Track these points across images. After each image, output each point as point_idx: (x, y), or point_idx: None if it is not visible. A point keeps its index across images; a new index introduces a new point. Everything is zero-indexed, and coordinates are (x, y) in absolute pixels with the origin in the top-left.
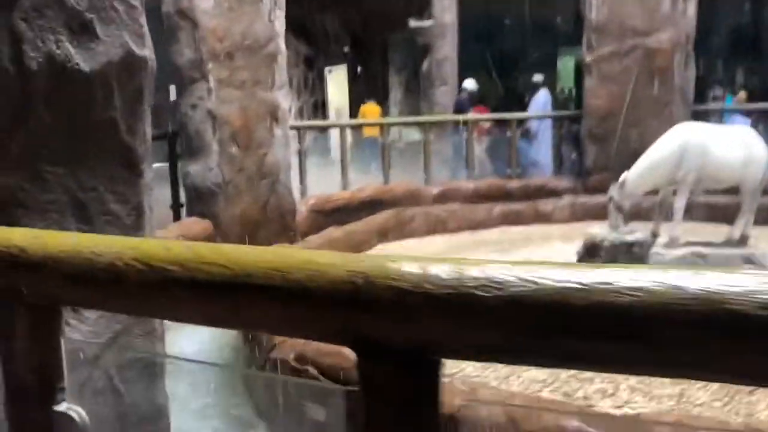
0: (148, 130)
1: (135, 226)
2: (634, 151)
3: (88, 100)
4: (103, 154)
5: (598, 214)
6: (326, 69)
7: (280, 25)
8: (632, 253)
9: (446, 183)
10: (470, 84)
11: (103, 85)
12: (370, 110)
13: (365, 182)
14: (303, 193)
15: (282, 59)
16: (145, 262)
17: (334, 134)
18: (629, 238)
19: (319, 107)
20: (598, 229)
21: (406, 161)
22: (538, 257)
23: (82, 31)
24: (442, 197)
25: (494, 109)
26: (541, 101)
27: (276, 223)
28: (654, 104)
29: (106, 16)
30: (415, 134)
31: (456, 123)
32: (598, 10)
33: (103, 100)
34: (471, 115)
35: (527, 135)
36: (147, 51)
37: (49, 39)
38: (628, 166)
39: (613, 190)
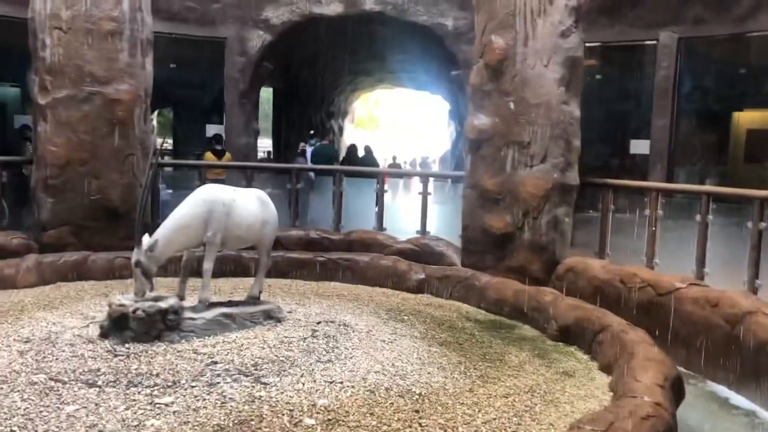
0: None
1: None
2: (92, 203)
3: None
4: None
5: (67, 274)
6: None
7: None
8: (167, 322)
9: None
10: None
11: None
12: None
13: None
14: None
15: None
16: None
17: None
18: (163, 305)
19: None
20: (121, 298)
21: None
22: (45, 333)
23: None
24: None
25: None
26: None
27: None
28: (114, 155)
29: None
30: None
31: None
32: (52, 51)
33: None
34: None
35: None
36: None
37: None
38: (90, 218)
39: (139, 254)
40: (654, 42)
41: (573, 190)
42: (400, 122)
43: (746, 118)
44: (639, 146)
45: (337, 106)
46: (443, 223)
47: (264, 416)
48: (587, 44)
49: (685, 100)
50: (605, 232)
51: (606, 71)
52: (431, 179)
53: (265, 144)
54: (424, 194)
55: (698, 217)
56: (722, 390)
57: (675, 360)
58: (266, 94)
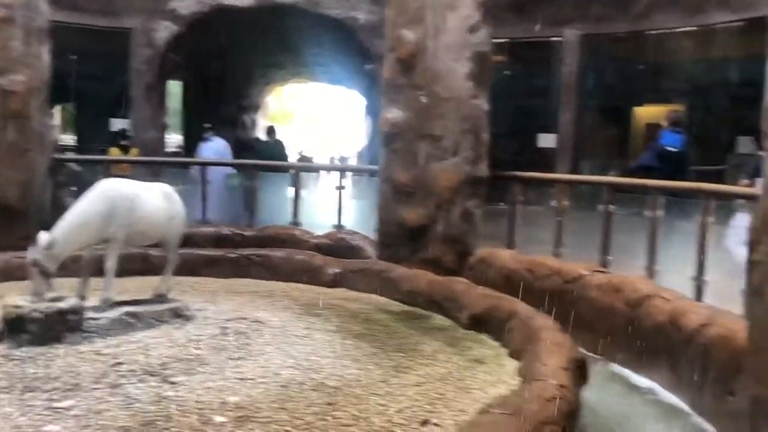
0: None
1: None
2: None
3: None
4: None
5: None
6: None
7: None
8: (67, 323)
9: None
10: None
11: None
12: None
13: None
14: None
15: None
16: None
17: None
18: (62, 305)
19: None
20: (17, 299)
21: None
22: None
23: None
24: None
25: None
26: None
27: None
28: (9, 151)
29: None
30: None
31: None
32: None
33: None
34: None
35: None
36: None
37: None
38: None
39: (36, 252)
40: (559, 39)
41: (483, 182)
42: (316, 117)
43: (645, 113)
44: (546, 140)
45: (250, 100)
46: (361, 217)
47: (172, 416)
48: (495, 40)
49: (588, 96)
50: (514, 223)
51: (514, 67)
52: (349, 174)
53: (176, 139)
54: (340, 188)
55: (601, 208)
56: (624, 371)
57: (581, 344)
58: (176, 87)
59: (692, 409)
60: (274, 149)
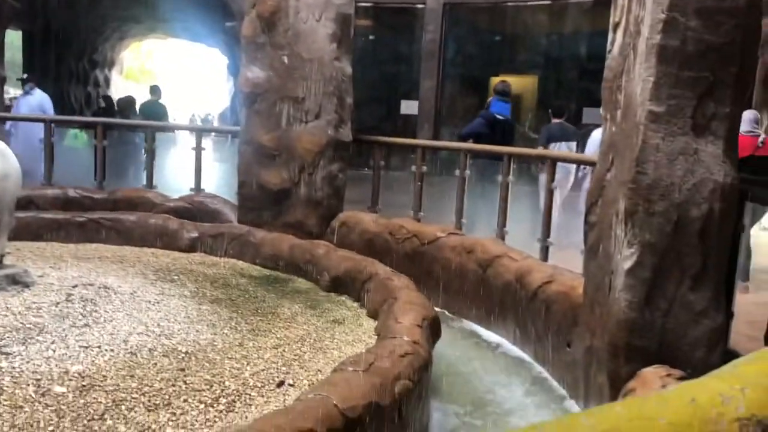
0: None
1: None
2: None
3: None
4: None
5: None
6: None
7: None
8: None
9: None
10: None
11: None
12: None
13: None
14: None
15: None
16: None
17: None
18: None
19: None
20: None
21: None
22: None
23: None
24: None
25: None
26: None
27: None
28: None
29: None
30: None
31: None
32: None
33: None
34: None
35: None
36: None
37: None
38: None
39: None
40: (422, 5)
41: (347, 146)
42: (177, 76)
43: None
44: (410, 106)
45: (103, 55)
46: (224, 180)
47: (4, 389)
48: (360, 4)
49: (449, 64)
50: (376, 187)
51: (378, 32)
52: (211, 135)
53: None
54: (198, 149)
55: (458, 172)
56: (476, 327)
57: (436, 303)
58: (16, 38)
59: (535, 360)
60: (159, 110)
